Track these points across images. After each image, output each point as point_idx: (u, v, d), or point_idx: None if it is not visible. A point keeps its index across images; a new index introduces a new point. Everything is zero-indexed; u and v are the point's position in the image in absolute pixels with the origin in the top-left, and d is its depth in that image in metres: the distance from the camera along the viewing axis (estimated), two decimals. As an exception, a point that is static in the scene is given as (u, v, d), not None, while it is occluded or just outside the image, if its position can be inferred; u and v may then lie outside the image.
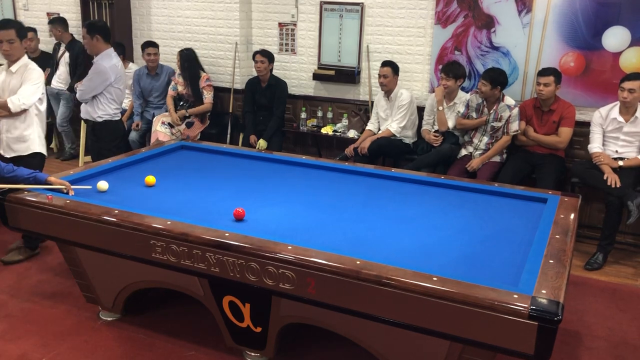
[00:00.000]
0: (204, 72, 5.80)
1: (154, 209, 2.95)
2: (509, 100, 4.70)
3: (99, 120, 4.56)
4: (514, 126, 4.64)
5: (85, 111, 4.60)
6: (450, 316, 2.19)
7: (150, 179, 3.44)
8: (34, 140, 4.00)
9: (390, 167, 4.16)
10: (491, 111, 4.69)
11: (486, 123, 4.74)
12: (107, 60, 4.45)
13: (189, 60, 5.66)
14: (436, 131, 5.07)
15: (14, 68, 3.89)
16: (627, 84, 4.21)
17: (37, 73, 3.92)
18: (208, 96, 5.67)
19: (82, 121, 6.08)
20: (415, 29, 5.26)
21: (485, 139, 4.78)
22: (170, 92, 5.75)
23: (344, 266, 2.36)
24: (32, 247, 4.15)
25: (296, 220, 3.00)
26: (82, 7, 6.44)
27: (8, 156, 3.91)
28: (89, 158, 6.39)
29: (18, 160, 3.77)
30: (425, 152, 5.04)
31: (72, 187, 3.19)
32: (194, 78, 5.67)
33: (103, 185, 3.27)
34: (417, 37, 5.27)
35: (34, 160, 3.96)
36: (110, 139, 4.66)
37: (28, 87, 3.85)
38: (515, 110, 4.63)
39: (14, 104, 3.79)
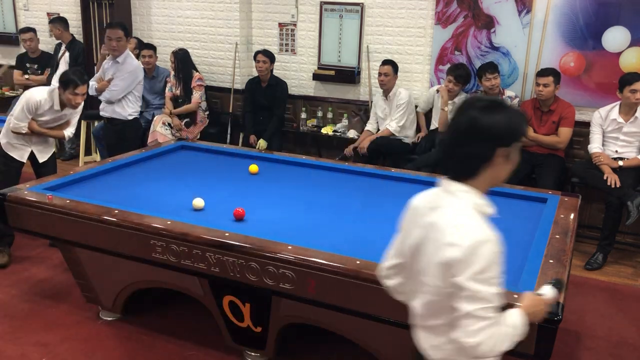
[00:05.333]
0: (197, 71, 5.79)
1: (154, 209, 2.96)
2: (509, 92, 4.78)
3: (130, 118, 4.70)
4: None
5: (113, 111, 4.67)
6: (450, 316, 2.19)
7: (254, 167, 3.73)
8: (54, 142, 4.41)
9: (390, 167, 4.16)
10: None
11: None
12: (133, 58, 4.69)
13: (182, 61, 5.64)
14: (435, 129, 5.09)
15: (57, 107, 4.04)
16: (638, 85, 4.19)
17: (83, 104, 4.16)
18: (196, 95, 5.64)
19: (82, 121, 6.11)
20: (415, 29, 5.26)
21: None
22: (167, 93, 5.74)
23: (344, 266, 2.36)
24: (8, 244, 4.09)
25: (296, 220, 3.01)
26: (82, 7, 6.44)
27: (42, 161, 4.19)
28: (89, 158, 6.40)
29: (47, 163, 4.19)
30: (425, 151, 5.05)
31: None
32: (186, 78, 5.66)
33: (199, 203, 3.08)
34: (417, 37, 5.27)
35: (54, 161, 4.31)
36: (136, 137, 4.86)
37: (77, 119, 4.25)
38: (516, 100, 4.72)
39: (69, 136, 4.24)
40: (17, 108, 3.96)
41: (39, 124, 4.01)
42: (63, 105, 3.98)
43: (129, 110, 4.68)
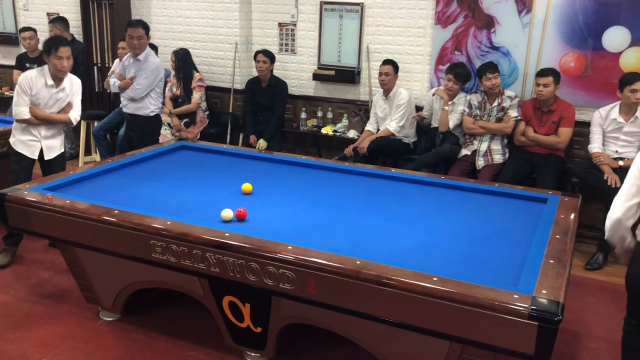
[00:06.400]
0: (197, 72, 5.79)
1: (154, 209, 2.95)
2: (509, 92, 4.78)
3: (152, 114, 4.80)
4: (513, 112, 4.68)
5: (135, 108, 4.76)
6: (450, 316, 2.19)
7: (247, 187, 3.37)
8: (63, 140, 4.25)
9: (390, 167, 4.16)
10: (493, 105, 4.72)
11: (488, 117, 4.76)
12: (154, 56, 4.81)
13: (183, 61, 5.65)
14: (435, 128, 5.09)
15: (65, 84, 4.02)
16: (638, 85, 4.19)
17: (81, 84, 4.19)
18: (196, 96, 5.65)
19: (82, 121, 6.13)
20: (415, 29, 5.26)
21: (487, 138, 4.80)
22: (167, 93, 5.75)
23: (344, 266, 2.36)
24: (15, 243, 4.09)
25: (296, 220, 3.00)
26: (82, 7, 6.44)
27: (48, 158, 4.11)
28: (89, 158, 6.41)
29: (54, 161, 4.12)
30: (425, 151, 5.05)
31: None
32: (187, 78, 5.67)
33: (228, 213, 2.90)
34: (417, 37, 5.27)
35: (62, 159, 4.26)
36: (157, 132, 4.98)
37: (80, 100, 4.16)
38: (516, 100, 4.71)
39: (76, 119, 4.13)
40: (14, 96, 3.93)
41: (40, 109, 3.96)
42: (57, 81, 3.94)
43: (151, 107, 4.79)
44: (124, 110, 4.88)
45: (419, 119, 5.18)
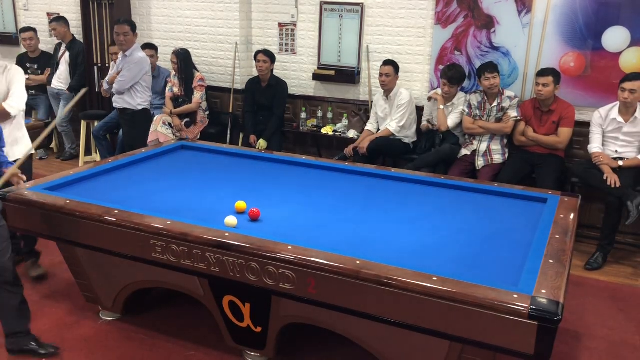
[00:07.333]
0: (198, 72, 5.79)
1: (154, 209, 2.96)
2: (508, 92, 4.78)
3: (139, 108, 4.96)
4: (512, 112, 4.68)
5: (123, 101, 4.94)
6: (450, 316, 2.19)
7: (241, 205, 3.05)
8: (28, 141, 3.74)
9: (390, 167, 4.16)
10: (493, 105, 4.72)
11: (488, 117, 4.76)
12: (140, 51, 5.01)
13: (185, 62, 5.65)
14: (435, 129, 5.09)
15: None
16: (628, 85, 4.20)
17: (21, 72, 3.67)
18: (197, 96, 5.65)
19: (82, 121, 6.14)
20: (415, 29, 5.26)
21: (487, 138, 4.80)
22: (168, 93, 5.75)
23: (344, 266, 2.36)
24: (34, 255, 3.95)
25: (296, 220, 3.01)
26: (82, 7, 6.45)
27: None
28: (89, 158, 6.41)
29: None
30: (425, 151, 5.05)
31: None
32: (188, 78, 5.67)
33: (232, 220, 2.81)
34: (417, 38, 5.27)
35: (28, 161, 3.70)
36: (147, 127, 5.12)
37: (20, 88, 3.59)
38: (515, 100, 4.71)
39: (13, 108, 3.51)
40: None
41: None
42: None
43: (138, 100, 4.94)
44: (114, 105, 5.03)
45: (427, 128, 5.17)
